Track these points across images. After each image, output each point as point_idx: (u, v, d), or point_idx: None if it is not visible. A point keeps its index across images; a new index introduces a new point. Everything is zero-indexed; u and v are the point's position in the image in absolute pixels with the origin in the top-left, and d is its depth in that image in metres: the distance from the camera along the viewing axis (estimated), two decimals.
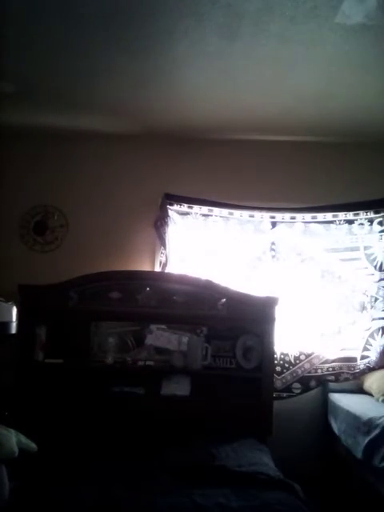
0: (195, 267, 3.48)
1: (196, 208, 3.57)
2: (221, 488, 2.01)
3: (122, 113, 3.38)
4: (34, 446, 2.07)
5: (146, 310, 3.10)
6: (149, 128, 3.57)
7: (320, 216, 3.57)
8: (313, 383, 3.42)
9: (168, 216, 3.53)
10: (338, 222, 3.56)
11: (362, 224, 3.55)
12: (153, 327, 3.17)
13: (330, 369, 3.44)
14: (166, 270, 3.46)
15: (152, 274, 3.46)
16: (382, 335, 3.41)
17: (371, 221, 3.54)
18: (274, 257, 3.56)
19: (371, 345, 3.42)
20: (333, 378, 3.43)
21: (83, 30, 2.37)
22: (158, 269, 3.56)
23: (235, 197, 3.58)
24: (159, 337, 3.16)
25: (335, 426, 3.23)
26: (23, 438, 2.03)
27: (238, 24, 2.25)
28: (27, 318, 3.06)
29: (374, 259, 3.51)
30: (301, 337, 3.48)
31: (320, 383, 3.44)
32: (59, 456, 2.35)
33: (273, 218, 3.59)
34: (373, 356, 3.40)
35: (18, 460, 1.94)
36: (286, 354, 3.42)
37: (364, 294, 3.49)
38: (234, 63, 2.63)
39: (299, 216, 3.58)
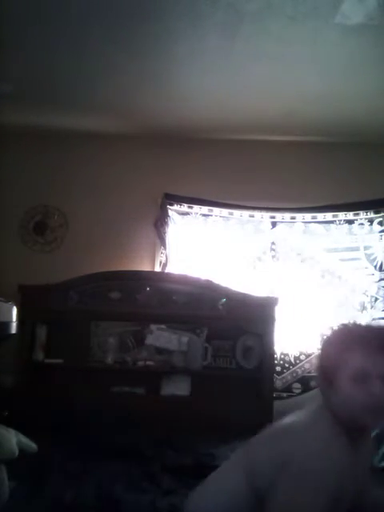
0: (195, 267, 3.48)
1: (196, 208, 3.57)
2: None
3: (122, 113, 3.38)
4: (34, 446, 2.07)
5: (146, 310, 3.10)
6: (149, 128, 3.57)
7: (320, 216, 3.57)
8: (313, 383, 3.41)
9: (168, 216, 3.53)
10: (338, 222, 3.56)
11: (362, 224, 3.55)
12: (153, 327, 3.17)
13: None
14: (166, 270, 3.46)
15: (152, 273, 3.46)
16: None
17: (371, 221, 3.54)
18: (274, 257, 3.56)
19: None
20: None
21: (83, 30, 2.37)
22: (158, 269, 3.56)
23: (235, 197, 3.58)
24: (159, 337, 3.16)
25: None
26: (23, 438, 2.02)
27: (238, 23, 2.25)
28: (27, 318, 3.06)
29: (374, 259, 3.51)
30: (301, 337, 3.48)
31: None
32: (59, 456, 2.35)
33: (273, 217, 3.59)
34: None
35: (17, 460, 1.94)
36: (286, 354, 3.42)
37: (364, 293, 3.49)
38: (234, 63, 2.63)
39: (299, 216, 3.57)
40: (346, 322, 1.50)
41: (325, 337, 1.39)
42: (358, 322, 1.70)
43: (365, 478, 1.35)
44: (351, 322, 1.70)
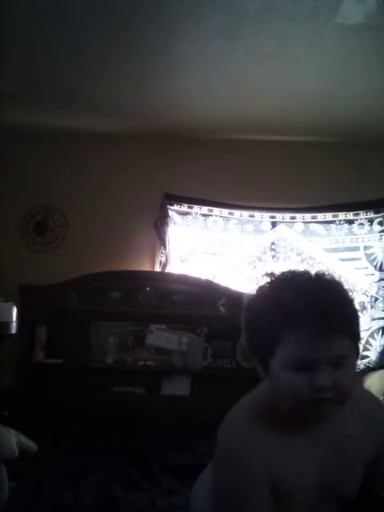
0: (195, 267, 3.48)
1: (196, 208, 3.57)
2: None
3: (122, 113, 3.38)
4: (34, 445, 2.07)
5: (146, 310, 3.10)
6: (149, 128, 3.57)
7: (320, 216, 3.57)
8: None
9: (168, 216, 3.52)
10: (338, 222, 3.56)
11: (362, 224, 3.55)
12: (153, 327, 3.17)
13: None
14: (166, 270, 3.46)
15: (152, 273, 3.46)
16: (382, 335, 3.41)
17: (371, 221, 3.54)
18: (274, 257, 3.56)
19: (371, 345, 3.42)
20: None
21: (83, 30, 2.37)
22: (158, 269, 3.56)
23: (235, 197, 3.58)
24: (159, 337, 3.16)
25: None
26: (23, 438, 2.03)
27: (237, 24, 2.25)
28: (27, 318, 3.06)
29: (374, 259, 3.51)
30: None
31: None
32: (59, 456, 2.35)
33: (273, 217, 3.59)
34: (373, 356, 3.40)
35: (17, 460, 1.94)
36: None
37: (364, 293, 3.49)
38: (234, 63, 2.63)
39: (299, 216, 3.57)
40: (276, 273, 0.99)
41: (249, 298, 1.01)
42: (294, 274, 1.01)
43: (346, 473, 1.05)
44: (283, 272, 1.00)
